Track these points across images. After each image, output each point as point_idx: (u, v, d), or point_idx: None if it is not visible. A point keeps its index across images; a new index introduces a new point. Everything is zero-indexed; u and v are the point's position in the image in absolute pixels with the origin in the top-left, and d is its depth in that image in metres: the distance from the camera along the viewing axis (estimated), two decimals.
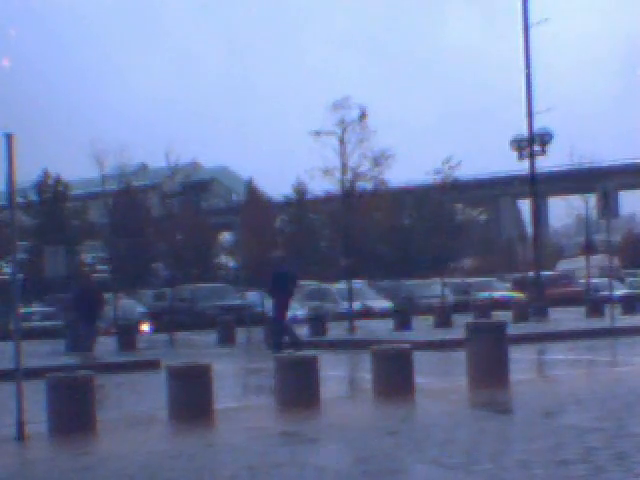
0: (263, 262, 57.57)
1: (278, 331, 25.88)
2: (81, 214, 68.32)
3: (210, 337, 34.81)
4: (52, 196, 65.06)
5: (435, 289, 45.74)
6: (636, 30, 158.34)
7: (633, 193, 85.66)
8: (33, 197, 65.49)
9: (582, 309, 37.24)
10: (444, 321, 33.96)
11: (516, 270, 58.74)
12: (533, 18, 39.42)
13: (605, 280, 40.89)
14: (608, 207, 28.87)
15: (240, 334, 33.51)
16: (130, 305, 46.89)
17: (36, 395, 12.93)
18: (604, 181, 44.08)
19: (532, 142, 39.51)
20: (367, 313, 44.52)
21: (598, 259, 53.51)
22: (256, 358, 26.61)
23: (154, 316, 45.64)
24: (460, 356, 16.49)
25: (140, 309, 47.88)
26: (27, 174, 56.81)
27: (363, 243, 53.22)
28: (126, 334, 31.99)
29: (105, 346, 32.78)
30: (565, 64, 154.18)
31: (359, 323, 35.61)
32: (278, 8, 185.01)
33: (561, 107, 72.58)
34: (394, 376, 14.01)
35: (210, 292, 48.39)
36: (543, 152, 40.53)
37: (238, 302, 45.51)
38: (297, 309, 46.06)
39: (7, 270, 50.78)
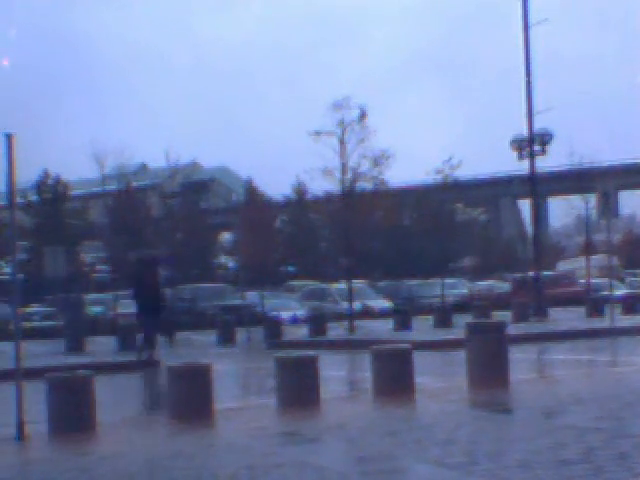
0: (263, 262, 57.60)
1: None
2: (81, 214, 68.34)
3: (210, 337, 34.82)
4: (52, 196, 65.08)
5: (435, 289, 45.71)
6: (636, 29, 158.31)
7: (633, 193, 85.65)
8: (33, 197, 65.52)
9: (582, 309, 37.24)
10: (444, 321, 33.94)
11: (516, 270, 58.71)
12: (533, 18, 39.49)
13: (605, 280, 40.89)
14: (608, 207, 28.88)
15: (240, 334, 33.52)
16: None
17: (36, 395, 12.93)
18: (604, 181, 44.10)
19: (532, 142, 39.51)
20: (367, 313, 44.53)
21: (598, 259, 53.49)
22: (256, 358, 26.63)
23: None
24: (460, 356, 16.49)
25: None
26: (27, 174, 56.84)
27: (363, 243, 53.22)
28: (126, 334, 31.95)
29: (105, 346, 32.83)
30: (565, 64, 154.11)
31: (359, 323, 35.61)
32: (278, 8, 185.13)
33: (561, 107, 72.64)
34: (394, 376, 14.00)
35: (210, 292, 48.40)
36: (543, 152, 40.54)
37: (238, 302, 45.53)
38: (297, 309, 46.13)
39: (7, 270, 50.79)
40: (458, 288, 51.76)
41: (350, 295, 35.45)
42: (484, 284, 55.61)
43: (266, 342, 31.14)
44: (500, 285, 54.48)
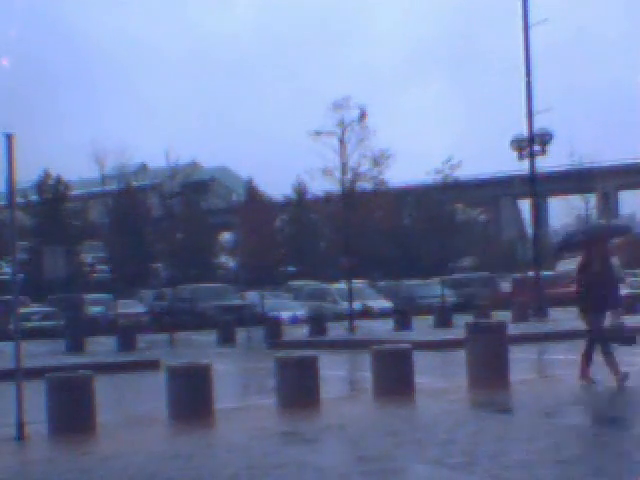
0: (263, 262, 57.60)
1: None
2: (81, 214, 68.38)
3: (210, 337, 34.81)
4: (52, 196, 65.10)
5: (435, 289, 45.68)
6: (636, 29, 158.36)
7: (633, 193, 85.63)
8: (33, 197, 65.55)
9: None
10: (444, 321, 33.93)
11: (516, 270, 58.66)
12: (533, 18, 39.49)
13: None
14: (608, 207, 28.88)
15: (240, 334, 33.52)
16: None
17: (36, 395, 12.93)
18: (604, 181, 44.09)
19: (532, 142, 39.49)
20: (367, 313, 44.51)
21: None
22: (256, 358, 26.62)
23: (154, 316, 45.68)
24: (460, 356, 16.49)
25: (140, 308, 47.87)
26: (27, 174, 56.90)
27: (363, 243, 53.22)
28: (126, 334, 31.96)
29: (105, 346, 32.82)
30: (565, 64, 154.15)
31: (359, 323, 35.60)
32: (278, 8, 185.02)
33: (561, 107, 72.63)
34: (394, 376, 14.00)
35: (210, 292, 48.38)
36: (543, 152, 40.50)
37: (238, 302, 45.53)
38: (297, 309, 46.13)
39: (7, 270, 50.81)
40: None
41: (350, 295, 35.46)
42: None
43: (266, 342, 31.13)
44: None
